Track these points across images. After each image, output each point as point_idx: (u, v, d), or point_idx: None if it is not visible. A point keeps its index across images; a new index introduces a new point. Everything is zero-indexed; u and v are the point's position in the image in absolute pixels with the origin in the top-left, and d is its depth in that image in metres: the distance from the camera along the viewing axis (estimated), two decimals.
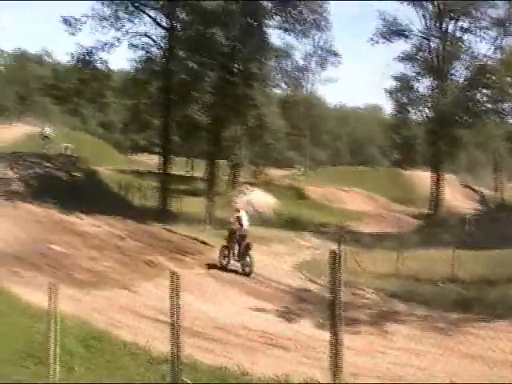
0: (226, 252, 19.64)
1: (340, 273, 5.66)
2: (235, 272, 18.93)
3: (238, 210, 20.45)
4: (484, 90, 40.92)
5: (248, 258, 18.94)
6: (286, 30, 33.52)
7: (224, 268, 19.32)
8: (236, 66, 32.63)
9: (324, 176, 61.61)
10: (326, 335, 5.96)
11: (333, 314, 5.69)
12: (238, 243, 19.25)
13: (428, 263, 18.64)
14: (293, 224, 35.29)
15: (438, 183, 42.29)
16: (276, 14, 32.78)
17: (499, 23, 39.54)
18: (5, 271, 16.88)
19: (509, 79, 39.58)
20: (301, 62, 73.31)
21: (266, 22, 33.26)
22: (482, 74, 39.93)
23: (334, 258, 5.72)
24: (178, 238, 24.66)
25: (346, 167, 73.29)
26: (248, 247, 19.08)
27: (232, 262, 19.45)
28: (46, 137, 39.32)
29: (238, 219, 19.68)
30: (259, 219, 36.66)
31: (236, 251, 19.25)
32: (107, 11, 31.86)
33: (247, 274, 18.73)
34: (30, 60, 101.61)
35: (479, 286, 15.19)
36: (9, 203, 26.04)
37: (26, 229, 23.27)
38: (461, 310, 13.45)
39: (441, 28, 40.47)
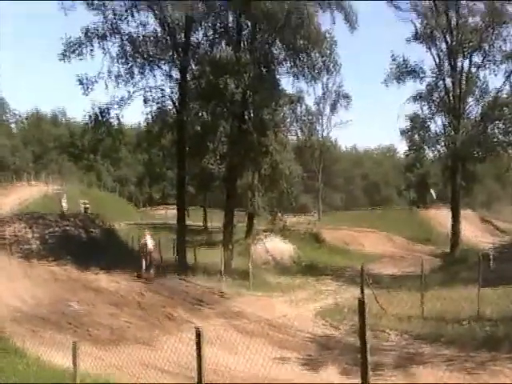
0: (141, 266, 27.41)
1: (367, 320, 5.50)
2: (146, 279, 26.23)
3: (144, 236, 28.62)
4: (496, 122, 40.70)
5: (152, 269, 27.54)
6: (295, 75, 33.69)
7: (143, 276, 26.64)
8: (248, 113, 32.89)
9: (339, 219, 61.31)
10: (353, 382, 5.81)
11: (364, 362, 5.50)
12: (145, 258, 27.51)
13: (452, 303, 18.30)
14: (312, 269, 35.01)
15: (456, 220, 41.81)
16: (285, 59, 33.08)
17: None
18: (24, 331, 16.82)
19: None
20: (313, 107, 73.55)
21: (277, 68, 33.56)
22: (494, 108, 39.80)
23: (362, 306, 5.55)
24: (196, 290, 24.61)
25: (361, 211, 73.01)
26: (151, 260, 27.89)
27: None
28: (62, 212, 39.64)
29: (145, 243, 27.93)
30: (278, 267, 36.41)
31: (144, 264, 27.31)
32: (122, 69, 32.23)
33: (152, 277, 26.63)
34: (45, 120, 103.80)
35: (507, 324, 14.81)
36: (25, 262, 26.14)
37: (44, 287, 23.33)
38: (489, 350, 13.09)
39: (454, 66, 40.50)
